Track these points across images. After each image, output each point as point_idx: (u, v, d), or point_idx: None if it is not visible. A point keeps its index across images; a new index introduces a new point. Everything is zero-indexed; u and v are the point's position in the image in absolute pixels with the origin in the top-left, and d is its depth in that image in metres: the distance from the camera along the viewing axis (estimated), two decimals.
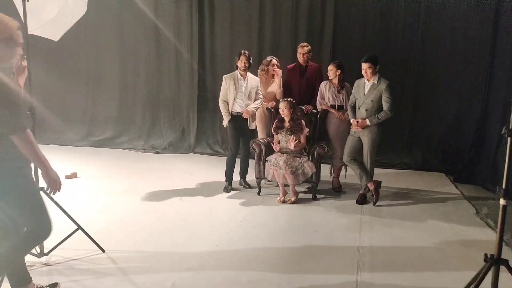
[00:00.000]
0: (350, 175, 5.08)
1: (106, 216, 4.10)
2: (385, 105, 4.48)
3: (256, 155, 4.95)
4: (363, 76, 4.57)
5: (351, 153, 4.68)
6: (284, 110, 4.81)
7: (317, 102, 5.18)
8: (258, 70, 5.41)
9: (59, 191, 2.31)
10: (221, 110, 5.10)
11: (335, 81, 5.04)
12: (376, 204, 4.63)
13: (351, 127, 4.69)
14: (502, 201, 2.34)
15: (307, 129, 4.92)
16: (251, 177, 5.15)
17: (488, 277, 2.36)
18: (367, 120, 4.52)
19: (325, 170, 5.36)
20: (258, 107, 5.17)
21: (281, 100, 4.98)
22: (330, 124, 5.13)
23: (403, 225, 4.08)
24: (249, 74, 5.13)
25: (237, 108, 5.07)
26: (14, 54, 2.21)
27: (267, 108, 5.30)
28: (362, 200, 4.70)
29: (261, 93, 5.19)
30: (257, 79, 5.20)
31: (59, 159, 6.50)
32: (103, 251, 3.32)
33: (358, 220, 4.18)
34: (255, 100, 5.12)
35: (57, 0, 3.34)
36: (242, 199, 4.80)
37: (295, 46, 5.99)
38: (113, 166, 6.26)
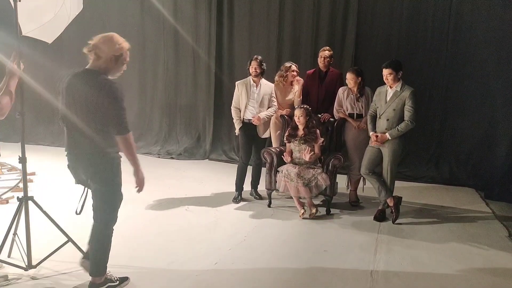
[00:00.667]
0: (368, 187, 4.65)
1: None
2: (406, 115, 4.05)
3: (267, 165, 4.61)
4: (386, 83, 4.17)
5: (369, 165, 4.27)
6: (300, 118, 4.46)
7: (334, 109, 4.80)
8: (276, 76, 5.07)
9: (142, 190, 2.63)
10: (233, 117, 4.81)
11: (354, 88, 4.65)
12: (396, 222, 4.19)
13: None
14: None
15: (322, 139, 4.54)
16: (263, 187, 4.81)
17: None
18: (387, 134, 4.10)
19: (342, 182, 4.96)
20: (271, 115, 4.84)
21: (296, 107, 4.64)
22: (347, 134, 4.73)
23: (424, 247, 3.64)
24: (263, 81, 4.81)
25: (248, 115, 4.76)
26: (121, 70, 2.55)
27: (281, 116, 4.96)
28: (380, 217, 4.27)
29: (275, 100, 4.86)
30: (271, 85, 4.87)
31: None
32: None
33: (375, 240, 3.76)
34: (268, 108, 4.80)
35: (54, 2, 3.13)
36: (251, 211, 4.47)
37: (316, 51, 5.64)
38: (124, 172, 6.03)
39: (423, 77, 6.09)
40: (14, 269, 2.93)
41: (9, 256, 3.12)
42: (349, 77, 4.61)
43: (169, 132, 7.61)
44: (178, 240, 3.60)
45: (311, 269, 3.15)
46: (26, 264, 2.96)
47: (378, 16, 6.24)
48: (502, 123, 5.63)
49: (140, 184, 2.61)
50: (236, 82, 4.86)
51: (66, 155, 2.60)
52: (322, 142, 4.52)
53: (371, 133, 4.24)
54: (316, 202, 4.74)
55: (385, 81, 4.10)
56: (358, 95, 4.66)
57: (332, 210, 4.52)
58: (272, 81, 4.99)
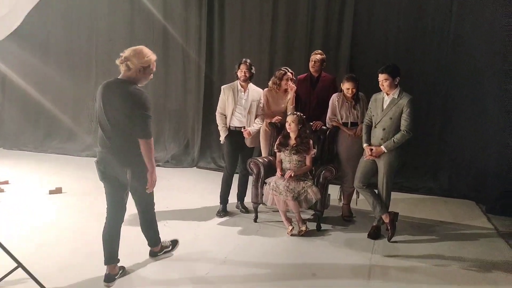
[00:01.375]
0: (362, 200, 4.26)
1: (69, 244, 3.47)
2: (403, 124, 3.70)
3: (253, 176, 4.25)
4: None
5: (363, 178, 3.91)
6: (291, 125, 4.10)
7: (327, 118, 4.44)
8: (269, 83, 4.70)
9: (151, 190, 2.90)
10: (218, 124, 4.44)
11: (349, 94, 4.30)
12: (392, 240, 3.82)
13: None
14: None
15: (314, 150, 4.18)
16: (250, 199, 4.43)
17: None
18: (382, 147, 3.75)
19: (335, 193, 4.59)
20: (259, 126, 4.48)
21: (288, 113, 4.28)
22: (340, 143, 4.37)
23: (423, 270, 3.26)
24: (251, 86, 4.46)
25: (235, 123, 4.39)
26: (148, 78, 2.84)
27: (270, 123, 4.59)
28: (375, 234, 3.90)
29: (261, 106, 4.49)
30: (260, 91, 4.51)
31: (56, 171, 6.02)
32: None
33: (368, 261, 3.39)
34: (256, 116, 4.44)
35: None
36: (235, 226, 4.09)
37: (310, 55, 5.30)
38: None
39: (421, 83, 5.76)
40: None
41: None
42: (349, 86, 4.21)
43: (157, 138, 7.19)
44: (149, 263, 3.21)
45: None
46: None
47: (375, 19, 5.91)
48: (504, 133, 5.26)
49: (151, 185, 2.85)
50: (222, 87, 4.50)
51: (97, 152, 2.85)
52: (314, 154, 4.16)
53: (365, 146, 3.88)
54: (306, 216, 4.38)
55: (381, 87, 3.75)
56: (354, 103, 4.30)
57: (323, 226, 4.15)
58: (262, 86, 4.63)
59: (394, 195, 5.46)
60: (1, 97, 8.10)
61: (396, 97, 3.72)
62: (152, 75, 2.86)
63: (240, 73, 4.34)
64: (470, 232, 4.24)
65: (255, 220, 4.23)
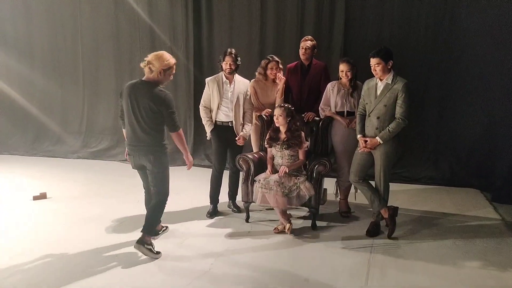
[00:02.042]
0: (362, 194, 3.97)
1: (42, 258, 3.19)
2: (398, 111, 3.38)
3: (243, 173, 3.95)
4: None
5: (359, 171, 3.61)
6: (279, 118, 3.79)
7: (320, 108, 4.13)
8: (256, 73, 4.39)
9: (190, 168, 3.37)
10: (202, 118, 4.15)
11: (346, 81, 3.98)
12: (392, 236, 3.53)
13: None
14: None
15: (307, 143, 3.88)
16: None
17: None
18: (377, 138, 3.44)
19: (333, 187, 4.30)
20: (251, 126, 4.20)
21: (276, 106, 3.97)
22: (335, 135, 4.07)
23: (425, 270, 2.97)
24: (237, 77, 4.15)
25: (222, 117, 4.10)
26: (168, 79, 3.18)
27: (260, 116, 4.29)
28: (373, 231, 3.61)
29: (248, 99, 4.18)
30: (246, 82, 4.20)
31: (43, 175, 5.74)
32: None
33: (367, 262, 3.10)
34: (244, 112, 4.13)
35: None
36: (225, 228, 3.81)
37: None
38: (95, 183, 5.40)
39: (418, 66, 5.42)
40: None
41: None
42: (343, 68, 3.90)
43: None
44: (128, 272, 2.93)
45: None
46: None
47: (369, 2, 5.55)
48: (507, 118, 4.93)
49: (189, 165, 3.34)
50: (207, 79, 4.19)
51: (126, 146, 3.32)
52: (307, 147, 3.86)
53: (359, 137, 3.57)
54: (302, 213, 4.10)
55: (373, 72, 3.43)
56: (351, 90, 3.98)
57: (319, 223, 3.87)
58: (253, 78, 4.33)
59: (394, 186, 5.17)
60: None
61: (389, 82, 3.40)
62: (172, 76, 3.22)
63: (225, 65, 4.03)
64: (475, 224, 3.94)
65: (247, 220, 3.95)
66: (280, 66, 4.27)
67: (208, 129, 4.10)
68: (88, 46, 7.08)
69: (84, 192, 4.94)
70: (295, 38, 5.85)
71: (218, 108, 4.06)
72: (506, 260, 3.15)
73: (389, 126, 3.38)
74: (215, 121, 4.10)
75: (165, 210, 4.24)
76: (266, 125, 4.21)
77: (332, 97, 4.01)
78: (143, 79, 3.14)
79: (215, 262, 3.08)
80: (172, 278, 2.84)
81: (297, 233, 3.66)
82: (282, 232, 3.65)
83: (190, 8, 6.32)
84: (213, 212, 4.13)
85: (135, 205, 4.37)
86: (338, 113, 4.00)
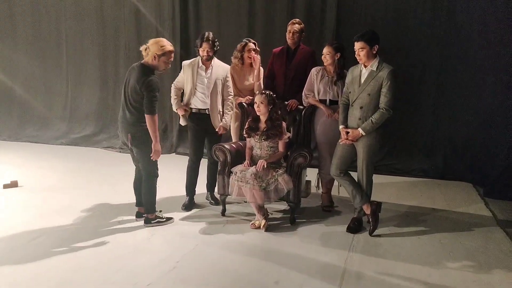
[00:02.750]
0: None
1: (5, 251, 3.00)
2: (382, 100, 3.13)
3: (220, 164, 3.72)
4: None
5: (341, 164, 3.37)
6: (260, 106, 3.55)
7: (303, 94, 3.88)
8: (232, 58, 4.14)
9: (157, 159, 3.38)
10: (171, 97, 3.91)
11: (331, 68, 3.73)
12: (374, 234, 3.31)
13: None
14: None
15: (288, 134, 3.64)
16: None
17: None
18: (359, 129, 3.20)
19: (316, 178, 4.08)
20: (231, 113, 3.97)
21: (256, 92, 3.72)
22: (317, 124, 3.83)
23: (406, 271, 2.76)
24: (216, 61, 3.89)
25: (198, 104, 3.85)
26: (164, 66, 3.30)
27: (240, 104, 4.05)
28: (355, 228, 3.39)
29: (230, 86, 3.93)
30: (226, 67, 3.94)
31: (22, 162, 5.52)
32: None
33: (343, 261, 2.89)
34: (223, 100, 3.89)
35: None
36: (200, 221, 3.60)
37: None
38: (73, 171, 5.19)
39: (413, 55, 5.18)
40: None
41: None
42: (326, 52, 3.67)
43: None
44: (86, 270, 2.71)
45: None
46: None
47: None
48: (503, 110, 4.67)
49: (154, 154, 3.33)
50: (183, 62, 3.94)
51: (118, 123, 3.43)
52: (288, 138, 3.62)
53: (341, 127, 3.33)
54: (282, 207, 3.88)
55: (357, 57, 3.18)
56: (335, 78, 3.73)
57: (299, 218, 3.65)
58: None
59: (383, 178, 5.00)
60: None
61: (374, 69, 3.14)
62: (169, 64, 3.33)
63: (202, 52, 3.76)
64: (464, 220, 3.72)
65: (223, 214, 3.73)
66: (257, 48, 4.01)
67: (175, 107, 3.90)
68: (71, 26, 6.81)
69: (57, 182, 4.72)
70: (284, 22, 5.53)
71: (193, 94, 3.81)
72: (493, 261, 2.93)
73: (372, 116, 3.14)
74: (191, 108, 3.85)
75: None
76: (247, 114, 3.97)
77: (315, 83, 3.76)
78: (141, 61, 3.27)
79: (181, 260, 2.86)
80: (131, 277, 2.62)
81: (274, 228, 3.45)
82: (259, 227, 3.44)
83: None
84: (189, 205, 3.92)
85: (105, 197, 4.18)
86: (320, 101, 3.76)
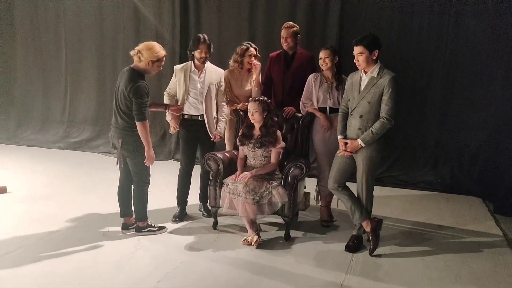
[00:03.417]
0: None
1: None
2: (383, 109, 2.90)
3: (211, 174, 3.50)
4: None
5: (339, 177, 3.14)
6: (254, 115, 3.34)
7: (301, 102, 3.65)
8: (230, 62, 3.94)
9: (151, 164, 3.27)
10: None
11: (329, 73, 3.51)
12: (374, 254, 3.06)
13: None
14: None
15: (283, 144, 3.41)
16: None
17: None
18: (358, 140, 2.96)
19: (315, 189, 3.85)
20: (226, 120, 3.75)
21: (250, 99, 3.50)
22: (316, 133, 3.60)
23: None
24: (209, 65, 3.69)
25: (191, 110, 3.64)
26: (156, 70, 3.24)
27: (235, 110, 3.84)
28: (353, 246, 3.14)
29: (222, 91, 3.72)
30: (219, 71, 3.74)
31: (15, 166, 5.35)
32: None
33: (340, 284, 2.64)
34: (217, 106, 3.68)
35: None
36: (189, 235, 3.38)
37: None
38: (66, 177, 5.00)
39: (420, 61, 4.91)
40: None
41: None
42: (325, 55, 3.45)
43: None
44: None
45: None
46: None
47: None
48: None
49: (148, 159, 3.21)
50: (175, 67, 3.74)
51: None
52: (282, 148, 3.39)
53: (339, 138, 3.10)
54: (276, 220, 3.64)
55: (356, 63, 2.95)
56: (335, 83, 3.50)
57: (295, 233, 3.43)
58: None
59: (387, 190, 4.74)
60: None
61: (375, 75, 2.91)
62: (161, 67, 3.24)
63: (199, 54, 3.55)
64: (473, 240, 3.44)
65: (214, 227, 3.51)
66: (258, 54, 3.81)
67: (169, 117, 3.67)
68: (71, 31, 6.68)
69: (47, 188, 4.53)
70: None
71: (185, 99, 3.61)
72: (502, 287, 2.67)
73: (373, 126, 2.90)
74: (183, 114, 3.65)
75: None
76: (242, 121, 3.76)
77: (314, 90, 3.54)
78: (131, 66, 3.17)
79: (163, 279, 2.65)
80: None
81: (267, 244, 3.22)
82: (251, 244, 3.20)
83: None
84: (180, 216, 3.70)
85: (94, 205, 4.00)
86: (320, 109, 3.53)
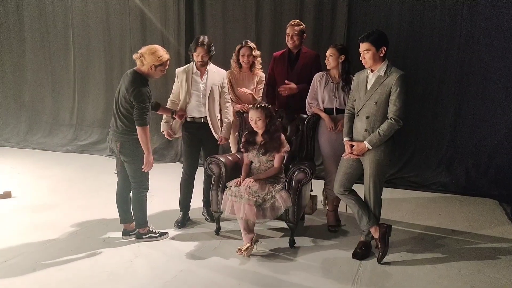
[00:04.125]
0: None
1: None
2: (390, 109, 2.73)
3: (214, 178, 3.38)
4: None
5: (345, 181, 2.98)
6: (258, 122, 3.20)
7: (306, 103, 3.51)
8: (231, 61, 3.82)
9: (149, 170, 3.15)
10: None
11: (335, 72, 3.35)
12: (383, 261, 2.90)
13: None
14: None
15: (287, 147, 3.26)
16: None
17: None
18: (365, 142, 2.80)
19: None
20: (231, 121, 3.62)
21: (251, 107, 3.35)
22: (322, 134, 3.44)
23: None
24: (212, 67, 3.57)
25: (194, 113, 3.53)
26: (160, 74, 3.15)
27: (238, 112, 3.71)
28: (362, 253, 2.98)
29: (227, 91, 3.60)
30: (222, 72, 3.62)
31: (22, 170, 5.33)
32: None
33: None
34: (220, 108, 3.56)
35: None
36: (191, 241, 3.26)
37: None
38: (72, 180, 4.95)
39: (432, 59, 4.72)
40: None
41: None
42: (329, 53, 3.30)
43: None
44: None
45: None
46: None
47: None
48: None
49: (146, 165, 3.08)
50: (177, 70, 3.63)
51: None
52: (285, 152, 3.24)
53: (345, 140, 2.94)
54: (280, 225, 3.50)
55: (362, 60, 2.79)
56: (342, 83, 3.34)
57: (301, 239, 3.28)
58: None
59: (399, 193, 4.56)
60: None
61: (382, 74, 2.74)
62: (164, 71, 3.14)
63: (196, 57, 3.44)
64: (489, 247, 3.24)
65: (217, 233, 3.39)
66: (254, 53, 3.66)
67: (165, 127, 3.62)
68: (79, 34, 6.66)
69: (52, 192, 4.48)
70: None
71: (187, 102, 3.50)
72: None
73: (380, 128, 2.74)
74: (186, 117, 3.54)
75: None
76: (245, 122, 3.63)
77: (319, 90, 3.38)
78: (134, 68, 3.10)
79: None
80: None
81: (271, 252, 3.07)
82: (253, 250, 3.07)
83: None
84: (182, 221, 3.59)
85: (97, 210, 3.92)
86: (326, 110, 3.38)
